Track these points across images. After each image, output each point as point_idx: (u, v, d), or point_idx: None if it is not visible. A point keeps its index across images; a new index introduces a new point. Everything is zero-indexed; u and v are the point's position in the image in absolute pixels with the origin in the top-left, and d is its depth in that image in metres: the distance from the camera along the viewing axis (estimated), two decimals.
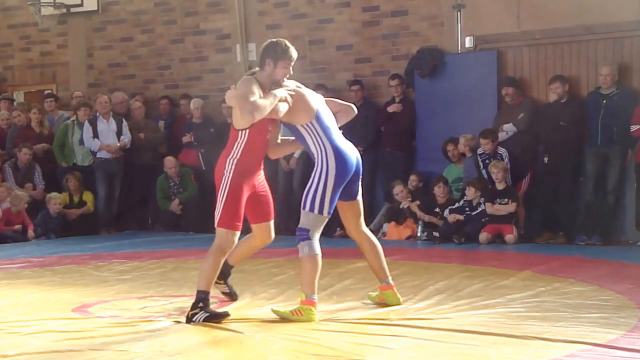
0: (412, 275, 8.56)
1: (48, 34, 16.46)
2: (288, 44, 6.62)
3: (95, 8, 15.93)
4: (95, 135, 13.82)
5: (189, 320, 6.40)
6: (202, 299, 6.46)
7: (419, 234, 12.13)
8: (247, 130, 6.47)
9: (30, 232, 12.93)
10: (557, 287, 7.82)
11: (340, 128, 6.75)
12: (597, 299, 7.18)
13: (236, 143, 6.53)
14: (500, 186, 11.73)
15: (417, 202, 12.30)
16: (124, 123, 14.09)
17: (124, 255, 10.88)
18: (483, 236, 11.56)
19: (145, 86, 15.71)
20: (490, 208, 11.68)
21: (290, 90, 6.51)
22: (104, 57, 16.12)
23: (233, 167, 6.49)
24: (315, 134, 6.50)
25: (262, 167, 6.74)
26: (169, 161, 14.03)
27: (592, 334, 5.73)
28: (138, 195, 14.48)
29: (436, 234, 11.89)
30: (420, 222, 12.19)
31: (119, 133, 13.98)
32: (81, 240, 12.85)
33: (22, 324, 6.48)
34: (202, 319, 6.37)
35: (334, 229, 12.05)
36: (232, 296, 7.29)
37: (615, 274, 8.64)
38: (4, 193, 13.20)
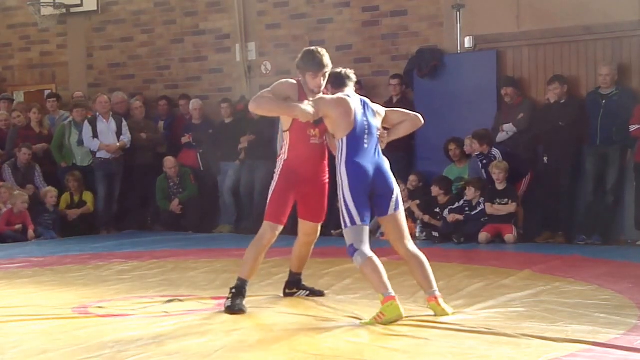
0: (411, 275, 8.52)
1: (48, 34, 16.47)
2: (317, 53, 6.76)
3: (95, 8, 15.93)
4: (95, 135, 13.82)
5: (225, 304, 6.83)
6: (237, 285, 6.88)
7: (417, 234, 12.12)
8: (289, 134, 6.89)
9: (31, 232, 12.92)
10: (556, 286, 7.82)
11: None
12: (597, 299, 7.18)
13: (284, 145, 6.98)
14: (500, 186, 11.73)
15: (417, 202, 12.30)
16: (124, 123, 14.08)
17: (124, 255, 10.87)
18: (482, 236, 11.56)
19: (145, 86, 15.70)
20: (490, 208, 11.68)
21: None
22: (103, 57, 16.12)
23: (281, 166, 6.96)
24: (341, 148, 6.56)
25: (318, 168, 7.04)
26: (169, 161, 14.03)
27: (592, 334, 5.73)
28: (138, 195, 14.47)
29: (435, 234, 11.88)
30: (418, 222, 12.19)
31: (118, 133, 13.98)
32: (81, 240, 12.85)
33: (22, 324, 6.49)
34: (225, 306, 6.80)
35: (329, 230, 12.09)
36: (316, 294, 7.49)
37: (615, 274, 8.63)
38: (7, 194, 13.20)
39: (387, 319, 6.17)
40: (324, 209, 7.21)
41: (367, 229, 6.50)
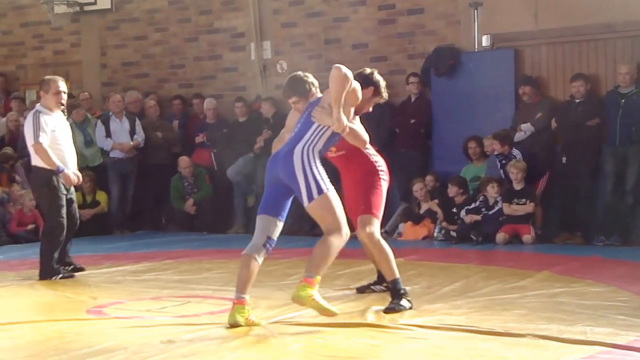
0: (429, 276, 8.52)
1: (61, 32, 16.42)
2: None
3: (109, 6, 15.87)
4: (108, 134, 13.79)
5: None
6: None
7: (436, 234, 12.04)
8: None
9: None
10: (575, 287, 7.77)
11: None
12: (616, 300, 7.13)
13: None
14: (518, 186, 11.64)
15: (436, 201, 12.21)
16: (137, 122, 14.04)
17: (138, 255, 10.84)
18: (500, 236, 11.46)
19: (159, 85, 15.66)
20: (507, 208, 11.58)
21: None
22: (117, 55, 16.08)
23: None
24: None
25: (352, 175, 7.26)
26: (184, 161, 13.98)
27: (611, 336, 5.68)
28: (152, 195, 14.41)
29: (453, 233, 11.80)
30: (438, 223, 12.10)
31: (132, 132, 13.94)
32: (94, 240, 12.77)
33: (36, 326, 6.47)
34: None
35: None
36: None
37: (634, 275, 8.59)
38: (19, 194, 13.16)
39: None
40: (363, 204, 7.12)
41: (264, 219, 6.45)
